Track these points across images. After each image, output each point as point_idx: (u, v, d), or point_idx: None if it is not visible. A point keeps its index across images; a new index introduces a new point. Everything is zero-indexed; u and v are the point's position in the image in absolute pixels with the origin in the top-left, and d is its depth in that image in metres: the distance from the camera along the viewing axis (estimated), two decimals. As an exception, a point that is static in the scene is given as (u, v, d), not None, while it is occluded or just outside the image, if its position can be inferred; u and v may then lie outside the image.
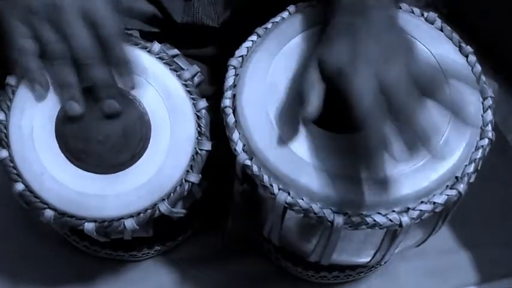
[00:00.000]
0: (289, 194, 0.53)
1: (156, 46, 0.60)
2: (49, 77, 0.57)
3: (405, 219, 0.52)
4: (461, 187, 0.54)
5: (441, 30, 0.60)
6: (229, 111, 0.57)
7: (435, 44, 0.59)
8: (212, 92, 0.63)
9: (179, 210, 0.61)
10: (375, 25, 0.52)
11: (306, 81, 0.53)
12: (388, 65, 0.49)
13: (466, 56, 0.59)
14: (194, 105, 0.60)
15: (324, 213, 0.52)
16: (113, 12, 0.55)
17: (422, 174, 0.53)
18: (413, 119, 0.47)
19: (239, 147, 0.56)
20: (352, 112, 0.48)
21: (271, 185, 0.54)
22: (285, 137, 0.55)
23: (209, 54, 0.72)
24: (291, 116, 0.56)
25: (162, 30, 0.69)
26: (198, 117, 0.60)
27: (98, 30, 0.54)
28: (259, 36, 0.61)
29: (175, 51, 0.62)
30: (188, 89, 0.60)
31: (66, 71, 0.55)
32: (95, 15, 0.54)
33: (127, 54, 0.56)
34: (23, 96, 0.59)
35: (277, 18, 0.62)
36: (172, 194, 0.59)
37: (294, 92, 0.57)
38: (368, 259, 0.62)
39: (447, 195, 0.53)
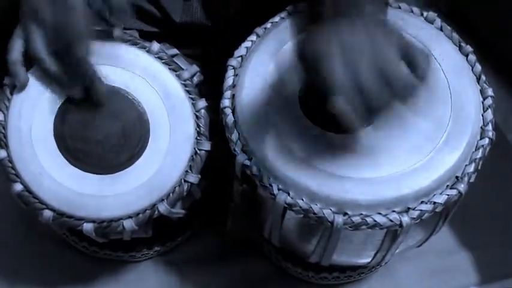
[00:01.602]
0: (288, 194, 0.53)
1: (155, 46, 0.60)
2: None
3: (405, 219, 0.52)
4: (462, 187, 0.54)
5: (441, 29, 0.60)
6: (229, 111, 0.57)
7: (435, 43, 0.58)
8: (211, 92, 0.63)
9: (178, 211, 0.61)
10: (362, 20, 0.50)
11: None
12: (363, 57, 0.47)
13: (466, 56, 0.59)
14: (193, 105, 0.60)
15: (323, 214, 0.52)
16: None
17: (423, 174, 0.53)
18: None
19: (238, 147, 0.55)
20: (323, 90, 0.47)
21: (271, 185, 0.54)
22: (285, 137, 0.55)
23: (208, 54, 0.71)
24: (290, 116, 0.55)
25: (161, 30, 0.69)
26: (197, 117, 0.60)
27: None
28: (258, 36, 0.61)
29: (175, 50, 0.62)
30: (187, 88, 0.60)
31: (49, 64, 0.56)
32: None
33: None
34: (21, 97, 0.59)
35: (276, 19, 0.62)
36: (171, 194, 0.59)
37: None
38: (368, 260, 0.62)
39: (447, 195, 0.53)
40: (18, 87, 0.58)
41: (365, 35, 0.48)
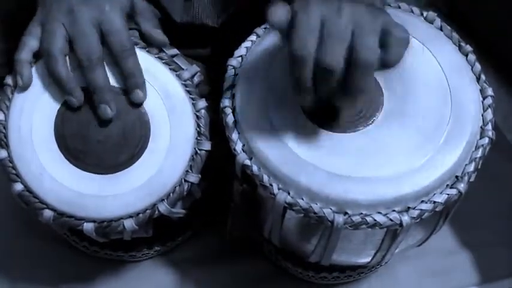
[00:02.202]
0: (289, 193, 0.53)
1: (155, 46, 0.60)
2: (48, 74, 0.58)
3: (405, 218, 0.52)
4: (462, 186, 0.54)
5: (440, 29, 0.60)
6: (229, 111, 0.57)
7: (434, 43, 0.58)
8: (211, 92, 0.63)
9: (179, 211, 0.61)
10: None
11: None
12: (338, 14, 0.46)
13: (466, 55, 0.59)
14: (193, 105, 0.60)
15: (324, 213, 0.52)
16: (125, 25, 0.58)
17: (423, 173, 0.53)
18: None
19: (239, 147, 0.55)
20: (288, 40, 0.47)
21: (271, 185, 0.54)
22: (285, 136, 0.55)
23: (208, 54, 0.71)
24: (290, 116, 0.55)
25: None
26: (197, 117, 0.60)
27: (108, 40, 0.57)
28: (258, 36, 0.61)
29: (175, 50, 0.62)
30: (187, 88, 0.60)
31: (61, 66, 0.57)
32: (107, 26, 0.56)
33: (136, 69, 0.58)
34: (22, 96, 0.59)
35: (277, 18, 0.62)
36: (171, 194, 0.59)
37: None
38: (368, 259, 0.62)
39: (447, 194, 0.53)
40: (20, 86, 0.58)
41: (348, 8, 0.46)
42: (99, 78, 0.57)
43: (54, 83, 0.58)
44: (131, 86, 0.58)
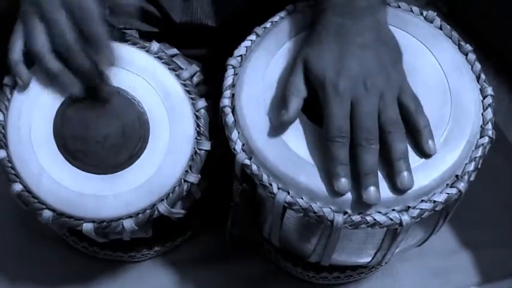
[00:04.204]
0: (288, 193, 0.53)
1: (155, 46, 0.60)
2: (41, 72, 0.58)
3: (405, 218, 0.52)
4: (462, 185, 0.53)
5: (440, 28, 0.60)
6: (228, 110, 0.57)
7: (434, 42, 0.58)
8: (211, 92, 0.63)
9: (178, 211, 0.61)
10: (364, 32, 0.53)
11: (290, 84, 0.54)
12: (366, 92, 0.52)
13: (466, 54, 0.59)
14: (193, 104, 0.60)
15: (323, 212, 0.52)
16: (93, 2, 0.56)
17: (423, 172, 0.53)
18: (369, 156, 0.51)
19: (238, 146, 0.55)
20: (324, 125, 0.52)
21: (271, 184, 0.53)
22: (284, 136, 0.55)
23: (208, 53, 0.71)
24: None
25: (161, 29, 0.69)
26: (197, 117, 0.60)
27: (77, 20, 0.56)
28: (258, 35, 0.61)
29: (174, 50, 0.62)
30: (187, 88, 0.60)
31: (50, 62, 0.56)
32: (75, 5, 0.55)
33: (103, 35, 0.56)
34: (21, 97, 0.59)
35: (276, 18, 0.62)
36: (171, 194, 0.59)
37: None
38: (369, 259, 0.62)
39: (447, 193, 0.53)
40: (20, 86, 0.58)
41: (374, 88, 0.52)
42: (81, 60, 0.56)
43: (52, 81, 0.58)
44: (98, 52, 0.56)
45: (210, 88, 0.64)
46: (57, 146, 0.58)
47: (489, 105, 0.56)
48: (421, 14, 0.61)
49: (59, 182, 0.58)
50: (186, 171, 0.59)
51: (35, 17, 0.56)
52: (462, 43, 0.59)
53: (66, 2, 0.55)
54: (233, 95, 0.58)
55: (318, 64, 0.53)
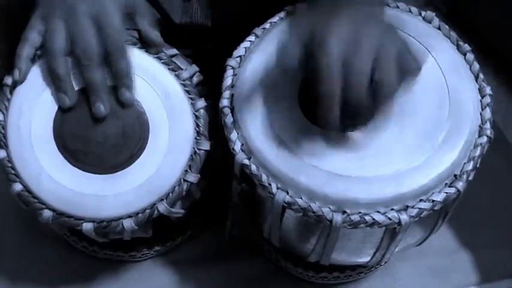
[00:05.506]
0: (287, 193, 0.53)
1: (155, 46, 0.60)
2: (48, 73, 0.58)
3: (404, 217, 0.52)
4: (460, 185, 0.54)
5: (439, 29, 0.60)
6: (228, 111, 0.57)
7: (433, 42, 0.58)
8: (210, 92, 0.63)
9: (178, 211, 0.61)
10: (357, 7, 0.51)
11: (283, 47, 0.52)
12: (357, 49, 0.48)
13: (464, 54, 0.59)
14: (192, 105, 0.60)
15: (322, 212, 0.52)
16: (122, 25, 0.58)
17: (421, 172, 0.53)
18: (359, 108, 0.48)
19: (237, 146, 0.55)
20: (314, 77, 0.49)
21: (270, 184, 0.54)
22: (284, 136, 0.55)
23: (207, 54, 0.71)
24: (289, 115, 0.55)
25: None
26: (196, 117, 0.60)
27: (104, 37, 0.57)
28: (257, 36, 0.62)
29: (174, 50, 0.62)
30: (186, 88, 0.60)
31: (60, 65, 0.57)
32: (105, 24, 0.56)
33: (128, 68, 0.58)
34: (21, 97, 0.59)
35: (275, 19, 0.62)
36: (171, 194, 0.59)
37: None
38: (368, 259, 0.62)
39: (446, 193, 0.53)
40: (16, 78, 0.58)
41: (366, 44, 0.48)
42: (96, 77, 0.57)
43: (52, 81, 0.58)
44: (120, 85, 0.58)
45: (209, 88, 0.64)
46: (57, 146, 0.58)
47: (487, 104, 0.57)
48: (420, 14, 0.61)
49: (59, 182, 0.58)
50: (186, 171, 0.59)
51: (60, 20, 0.57)
52: (461, 43, 0.59)
53: (96, 21, 0.57)
54: (232, 95, 0.58)
55: (311, 20, 0.51)
